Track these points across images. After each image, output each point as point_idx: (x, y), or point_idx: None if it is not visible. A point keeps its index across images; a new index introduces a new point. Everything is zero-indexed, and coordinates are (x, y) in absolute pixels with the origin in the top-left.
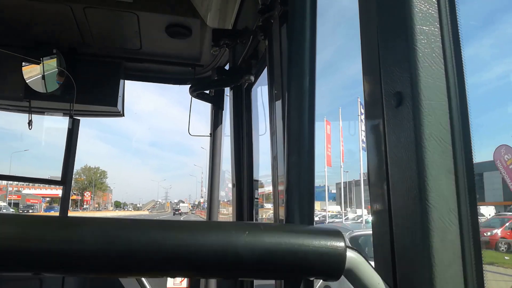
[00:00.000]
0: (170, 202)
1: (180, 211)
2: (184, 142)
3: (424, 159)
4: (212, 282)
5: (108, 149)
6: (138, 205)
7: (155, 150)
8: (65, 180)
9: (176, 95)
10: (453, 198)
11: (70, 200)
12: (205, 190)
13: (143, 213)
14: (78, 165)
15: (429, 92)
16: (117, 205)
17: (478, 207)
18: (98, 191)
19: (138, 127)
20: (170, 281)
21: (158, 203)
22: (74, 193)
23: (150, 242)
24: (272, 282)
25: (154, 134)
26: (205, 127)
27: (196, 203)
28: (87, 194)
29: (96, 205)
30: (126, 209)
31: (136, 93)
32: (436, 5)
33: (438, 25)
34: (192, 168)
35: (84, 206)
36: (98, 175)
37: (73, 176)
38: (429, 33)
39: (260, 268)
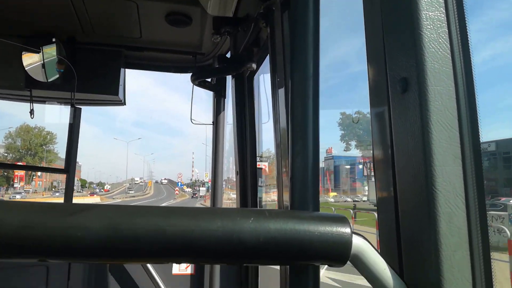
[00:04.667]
0: (156, 181)
1: (197, 195)
2: (170, 122)
3: (431, 145)
4: (217, 268)
5: (89, 128)
6: (99, 187)
7: (139, 130)
8: (69, 168)
9: (160, 77)
10: (460, 183)
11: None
12: (197, 171)
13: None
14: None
15: (436, 78)
16: (83, 185)
17: None
18: (42, 162)
19: (123, 108)
20: (175, 267)
21: (133, 182)
22: None
23: (155, 229)
24: (278, 268)
25: (140, 114)
26: (202, 113)
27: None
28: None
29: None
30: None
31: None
32: None
33: (443, 10)
34: (180, 149)
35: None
36: (42, 139)
37: (5, 141)
38: (434, 18)
39: (266, 254)
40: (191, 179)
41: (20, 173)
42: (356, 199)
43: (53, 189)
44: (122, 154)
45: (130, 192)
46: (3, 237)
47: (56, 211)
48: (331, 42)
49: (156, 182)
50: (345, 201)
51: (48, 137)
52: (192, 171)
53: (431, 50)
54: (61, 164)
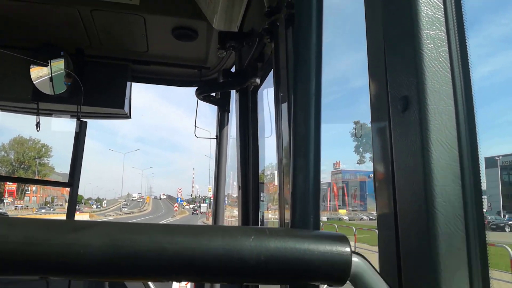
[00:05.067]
0: (155, 197)
1: (197, 212)
2: (171, 138)
3: (431, 164)
4: (217, 286)
5: (90, 143)
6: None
7: (140, 146)
8: (73, 182)
9: (162, 92)
10: (460, 204)
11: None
12: (197, 186)
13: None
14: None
15: (436, 97)
16: (78, 201)
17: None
18: (36, 177)
19: (124, 122)
20: (175, 284)
21: (128, 197)
22: None
23: (156, 247)
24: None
25: (141, 130)
26: (204, 128)
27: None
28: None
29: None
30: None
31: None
32: (442, 10)
33: (444, 30)
34: (180, 165)
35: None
36: (36, 152)
37: None
38: (435, 37)
39: (266, 273)
40: (191, 195)
41: (11, 187)
42: (372, 217)
43: (45, 205)
44: (120, 169)
45: (124, 208)
46: (6, 253)
47: (59, 228)
48: (343, 53)
49: (155, 197)
50: (361, 219)
51: (43, 149)
52: (193, 187)
53: (432, 69)
54: (53, 178)
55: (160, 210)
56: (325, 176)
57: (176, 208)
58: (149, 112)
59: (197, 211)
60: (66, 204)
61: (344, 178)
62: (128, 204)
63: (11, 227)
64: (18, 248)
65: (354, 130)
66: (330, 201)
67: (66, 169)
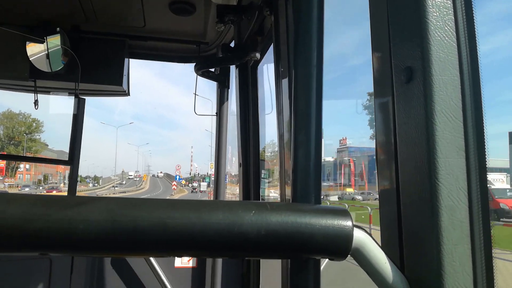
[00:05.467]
0: (153, 175)
1: (196, 190)
2: (169, 116)
3: (434, 136)
4: (219, 261)
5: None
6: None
7: (137, 123)
8: (73, 159)
9: (158, 69)
10: (463, 176)
11: (78, 179)
12: (196, 165)
13: None
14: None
15: (441, 67)
16: None
17: None
18: (27, 153)
19: (120, 100)
20: (177, 260)
21: (123, 175)
22: None
23: (156, 222)
24: (279, 261)
25: (137, 107)
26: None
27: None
28: None
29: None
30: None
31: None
32: None
33: None
34: (178, 143)
35: None
36: (27, 127)
37: None
38: (441, 5)
39: (267, 247)
40: (190, 173)
41: (0, 164)
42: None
43: (38, 183)
44: (119, 146)
45: (117, 188)
46: (4, 229)
47: (58, 204)
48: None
49: (153, 175)
50: (375, 199)
51: (34, 124)
52: (191, 165)
53: (437, 38)
54: (46, 155)
55: (158, 189)
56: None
57: (174, 186)
58: (146, 89)
59: (196, 189)
60: (60, 182)
61: (350, 155)
62: (124, 182)
63: (9, 202)
64: (16, 224)
65: (367, 102)
66: (336, 180)
67: (61, 145)
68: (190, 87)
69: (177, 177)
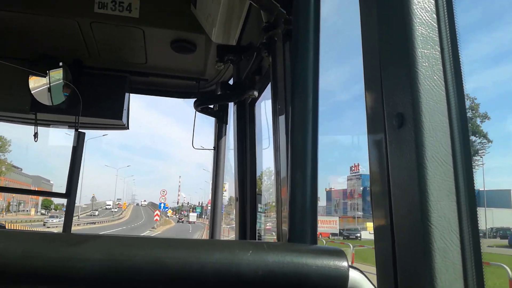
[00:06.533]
0: (137, 204)
1: (182, 220)
2: (154, 146)
3: (426, 180)
4: None
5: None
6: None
7: (124, 153)
8: (70, 193)
9: (149, 101)
10: (455, 219)
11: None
12: (183, 195)
13: None
14: None
15: (431, 114)
16: (47, 206)
17: None
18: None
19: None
20: None
21: (93, 202)
22: None
23: (153, 261)
24: None
25: (125, 137)
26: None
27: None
28: None
29: None
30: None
31: None
32: (436, 29)
33: (439, 49)
34: (165, 173)
35: None
36: None
37: None
38: (430, 56)
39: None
40: (177, 202)
41: None
42: None
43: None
44: (104, 177)
45: (84, 219)
46: (5, 266)
47: (58, 242)
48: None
49: (137, 204)
50: None
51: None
52: (178, 195)
53: (426, 87)
54: (17, 180)
55: (140, 219)
56: (342, 181)
57: (157, 217)
58: (136, 121)
59: (182, 219)
60: (32, 210)
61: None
62: (97, 213)
63: (9, 240)
64: (16, 261)
65: None
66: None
67: (38, 169)
68: (179, 118)
69: (162, 205)
